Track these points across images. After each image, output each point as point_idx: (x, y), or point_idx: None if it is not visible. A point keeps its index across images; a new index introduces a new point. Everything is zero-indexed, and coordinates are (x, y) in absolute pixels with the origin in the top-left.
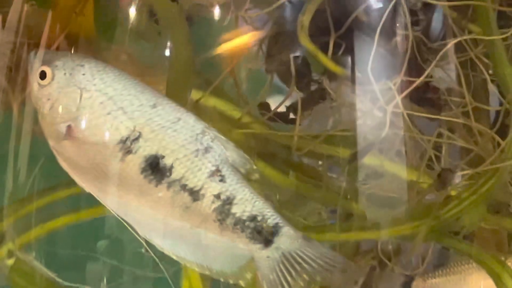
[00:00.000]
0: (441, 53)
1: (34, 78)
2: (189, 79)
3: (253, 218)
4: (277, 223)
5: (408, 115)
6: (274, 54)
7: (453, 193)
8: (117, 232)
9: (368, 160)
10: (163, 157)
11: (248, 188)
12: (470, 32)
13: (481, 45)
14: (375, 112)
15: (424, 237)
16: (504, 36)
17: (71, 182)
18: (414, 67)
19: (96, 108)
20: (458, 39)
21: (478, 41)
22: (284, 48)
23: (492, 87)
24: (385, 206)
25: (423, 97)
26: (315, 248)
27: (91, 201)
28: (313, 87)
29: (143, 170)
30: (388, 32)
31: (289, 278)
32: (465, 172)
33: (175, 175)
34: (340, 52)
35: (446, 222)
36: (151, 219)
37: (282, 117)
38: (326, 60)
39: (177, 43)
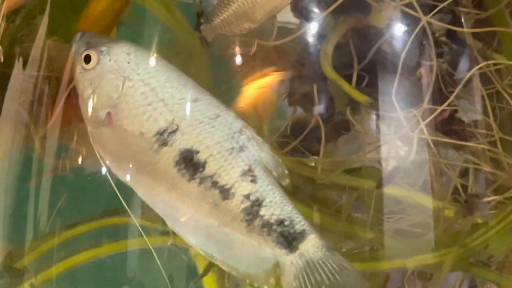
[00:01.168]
0: (463, 81)
1: (78, 61)
2: None
3: (280, 222)
4: (304, 230)
5: (434, 145)
6: (297, 87)
7: (479, 221)
8: (139, 268)
9: (394, 191)
10: (197, 152)
11: (278, 192)
12: (495, 63)
13: (508, 77)
14: (399, 141)
15: (451, 266)
16: None
17: (92, 218)
18: (439, 98)
19: (137, 98)
20: (479, 65)
21: (504, 74)
22: (307, 80)
23: None
24: (412, 236)
25: (449, 129)
26: (337, 262)
27: (112, 236)
28: (337, 119)
29: (177, 164)
30: (413, 63)
31: (309, 287)
32: (491, 198)
33: (207, 171)
34: (364, 84)
35: (474, 251)
36: (180, 213)
37: (307, 148)
38: (349, 89)
39: (198, 72)
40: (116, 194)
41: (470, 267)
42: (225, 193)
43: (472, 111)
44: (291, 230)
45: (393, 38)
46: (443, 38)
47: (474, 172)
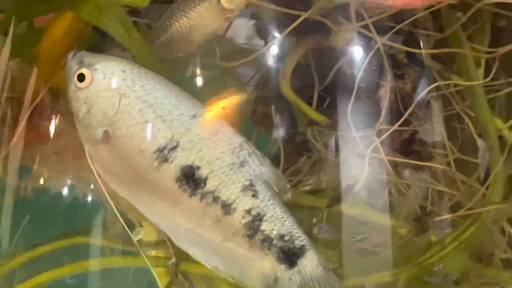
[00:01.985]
0: (416, 100)
1: (71, 80)
2: None
3: (281, 237)
4: (303, 245)
5: (394, 166)
6: (259, 107)
7: (434, 239)
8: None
9: (351, 210)
10: (198, 168)
11: (279, 207)
12: (455, 85)
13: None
14: (356, 160)
15: (406, 284)
16: (481, 82)
17: (54, 238)
18: (398, 119)
19: (135, 115)
20: (432, 86)
21: (465, 96)
22: (268, 100)
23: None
24: (367, 254)
25: (409, 149)
26: (331, 282)
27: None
28: (299, 139)
29: (178, 180)
30: (373, 84)
31: None
32: (443, 217)
33: (209, 186)
34: (325, 104)
35: (428, 269)
36: (183, 228)
37: None
38: (308, 110)
39: None
40: (78, 214)
41: (426, 286)
42: (227, 208)
43: (432, 133)
44: (291, 245)
45: (353, 59)
46: (404, 60)
47: (432, 192)
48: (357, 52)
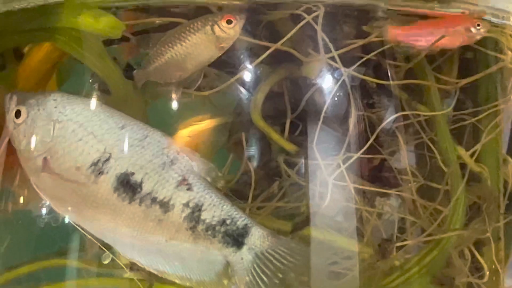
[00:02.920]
0: (379, 128)
1: (10, 118)
2: None
3: (222, 222)
4: (246, 224)
5: (363, 192)
6: (231, 134)
7: (397, 263)
8: None
9: (316, 234)
10: (133, 173)
11: (215, 194)
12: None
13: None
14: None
15: None
16: (442, 112)
17: (32, 260)
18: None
19: (69, 136)
20: (398, 114)
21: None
22: (240, 127)
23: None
24: (331, 277)
25: (378, 176)
26: (284, 245)
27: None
28: (272, 165)
29: (116, 189)
30: (342, 113)
31: (264, 278)
32: (404, 243)
33: (145, 189)
34: (297, 132)
35: None
36: (128, 237)
37: (237, 194)
38: (278, 138)
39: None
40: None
41: None
42: (165, 206)
43: (400, 160)
44: (234, 227)
45: (323, 88)
46: (373, 89)
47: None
48: (327, 82)
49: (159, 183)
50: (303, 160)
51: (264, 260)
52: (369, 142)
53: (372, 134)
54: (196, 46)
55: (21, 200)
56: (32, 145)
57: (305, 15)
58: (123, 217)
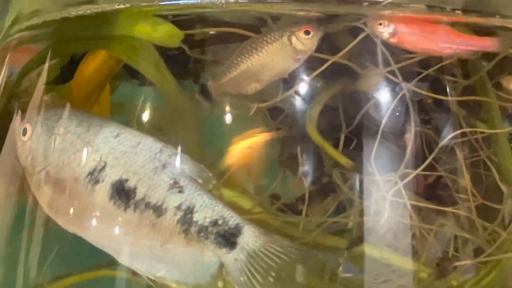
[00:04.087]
0: (439, 146)
1: (19, 136)
2: None
3: (214, 223)
4: (237, 224)
5: (419, 210)
6: (285, 148)
7: (455, 283)
8: None
9: (372, 251)
10: (126, 180)
11: (206, 195)
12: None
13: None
14: (379, 203)
15: None
16: (505, 130)
17: (81, 270)
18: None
19: (68, 148)
20: (458, 132)
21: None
22: (294, 141)
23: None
24: None
25: (433, 194)
26: (277, 243)
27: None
28: (325, 181)
29: (112, 197)
30: (399, 129)
31: (258, 277)
32: (463, 262)
33: (139, 194)
34: (352, 147)
35: None
36: (125, 244)
37: (291, 208)
38: (332, 152)
39: (187, 136)
40: None
41: None
42: (158, 210)
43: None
44: (226, 227)
45: (380, 103)
46: (431, 105)
47: (455, 237)
48: (383, 97)
49: (152, 187)
50: (357, 176)
51: (257, 259)
52: (429, 159)
53: (428, 151)
54: (273, 57)
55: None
56: (35, 160)
57: (365, 28)
58: (119, 225)
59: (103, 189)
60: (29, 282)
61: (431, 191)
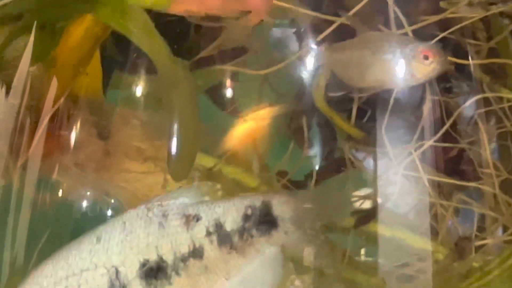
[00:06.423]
0: (458, 110)
1: None
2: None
3: (245, 218)
4: (263, 202)
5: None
6: (295, 121)
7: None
8: None
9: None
10: (147, 260)
11: (220, 202)
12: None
13: None
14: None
15: None
16: None
17: None
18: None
19: None
20: (478, 96)
21: None
22: (301, 114)
23: None
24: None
25: (455, 169)
26: (301, 197)
27: None
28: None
29: (149, 285)
30: (418, 98)
31: (315, 224)
32: (483, 242)
33: (169, 258)
34: (365, 119)
35: None
36: None
37: (299, 186)
38: (342, 123)
39: (182, 105)
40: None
41: None
42: (197, 252)
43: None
44: (258, 213)
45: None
46: (452, 72)
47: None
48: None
49: (173, 242)
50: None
51: (300, 214)
52: (445, 128)
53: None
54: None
55: (61, 190)
56: None
57: None
58: None
59: (136, 287)
60: (16, 268)
61: (453, 167)
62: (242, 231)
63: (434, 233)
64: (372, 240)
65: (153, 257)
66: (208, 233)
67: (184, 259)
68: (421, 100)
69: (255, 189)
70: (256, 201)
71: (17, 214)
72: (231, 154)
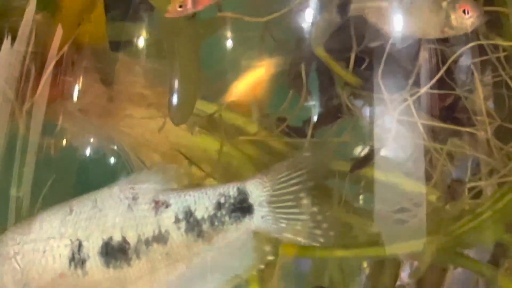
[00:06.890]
0: (453, 57)
1: None
2: (196, 88)
3: (218, 206)
4: (238, 188)
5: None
6: (293, 67)
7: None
8: None
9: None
10: (111, 238)
11: (192, 190)
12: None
13: None
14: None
15: (436, 254)
16: None
17: None
18: (439, 84)
19: (33, 257)
20: (471, 44)
21: None
22: (300, 61)
23: None
24: (396, 222)
25: (451, 117)
26: (281, 171)
27: None
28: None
29: (108, 263)
30: (414, 46)
31: (294, 209)
32: (475, 184)
33: (132, 240)
34: (363, 66)
35: (459, 239)
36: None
37: (298, 132)
38: (339, 70)
39: (184, 56)
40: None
41: (457, 258)
42: (161, 237)
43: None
44: (232, 200)
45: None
46: None
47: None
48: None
49: (139, 225)
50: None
51: (279, 197)
52: (439, 74)
53: (444, 71)
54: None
55: (65, 135)
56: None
57: None
58: (133, 280)
59: (95, 263)
60: (22, 213)
61: (449, 114)
62: (213, 219)
63: (429, 179)
64: (368, 187)
65: (116, 237)
66: (177, 220)
67: (147, 242)
68: (417, 48)
69: (255, 134)
70: (231, 189)
71: (23, 158)
72: (231, 102)
